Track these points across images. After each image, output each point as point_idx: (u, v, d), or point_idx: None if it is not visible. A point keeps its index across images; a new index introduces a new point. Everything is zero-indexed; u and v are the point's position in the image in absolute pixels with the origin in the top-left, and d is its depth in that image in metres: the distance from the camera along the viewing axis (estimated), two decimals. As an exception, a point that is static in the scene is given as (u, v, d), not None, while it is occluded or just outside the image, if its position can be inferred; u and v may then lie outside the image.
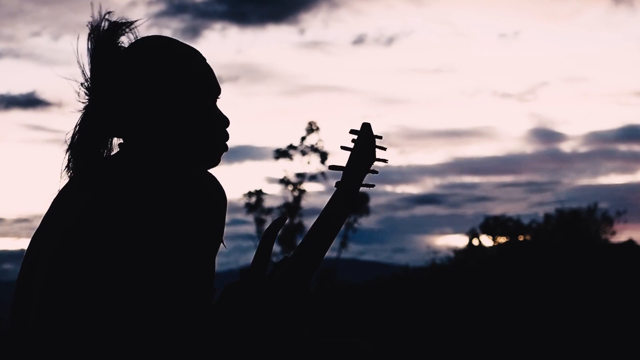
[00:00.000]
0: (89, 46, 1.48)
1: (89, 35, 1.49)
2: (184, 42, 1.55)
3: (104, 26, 1.49)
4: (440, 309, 10.25)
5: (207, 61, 1.57)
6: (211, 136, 1.52)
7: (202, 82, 1.52)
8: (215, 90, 1.55)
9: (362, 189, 1.78)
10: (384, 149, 1.80)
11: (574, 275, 10.73)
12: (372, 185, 1.80)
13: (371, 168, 1.78)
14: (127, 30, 1.51)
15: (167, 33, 1.58)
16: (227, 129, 1.57)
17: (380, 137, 1.80)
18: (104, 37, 1.48)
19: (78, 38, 1.49)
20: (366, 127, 1.79)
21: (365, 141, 1.78)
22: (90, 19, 1.49)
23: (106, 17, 1.49)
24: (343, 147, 1.79)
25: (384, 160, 1.80)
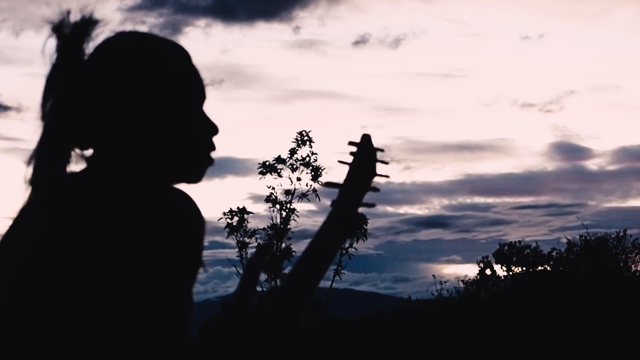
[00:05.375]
0: (55, 46, 1.46)
1: (51, 34, 1.46)
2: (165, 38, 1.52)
3: (67, 26, 1.46)
4: (446, 347, 10.25)
5: (193, 60, 1.53)
6: (192, 148, 1.49)
7: (184, 86, 1.49)
8: (199, 95, 1.51)
9: (361, 208, 1.78)
10: (386, 163, 1.81)
11: (600, 310, 10.73)
12: (373, 205, 1.80)
13: (372, 185, 1.78)
14: (94, 31, 1.47)
15: (142, 30, 1.54)
16: (214, 138, 1.53)
17: (382, 150, 1.81)
18: (68, 39, 1.46)
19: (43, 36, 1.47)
20: (366, 139, 1.80)
21: (365, 155, 1.78)
22: (51, 17, 1.46)
23: (68, 15, 1.46)
24: (341, 162, 1.79)
25: (386, 176, 1.81)
